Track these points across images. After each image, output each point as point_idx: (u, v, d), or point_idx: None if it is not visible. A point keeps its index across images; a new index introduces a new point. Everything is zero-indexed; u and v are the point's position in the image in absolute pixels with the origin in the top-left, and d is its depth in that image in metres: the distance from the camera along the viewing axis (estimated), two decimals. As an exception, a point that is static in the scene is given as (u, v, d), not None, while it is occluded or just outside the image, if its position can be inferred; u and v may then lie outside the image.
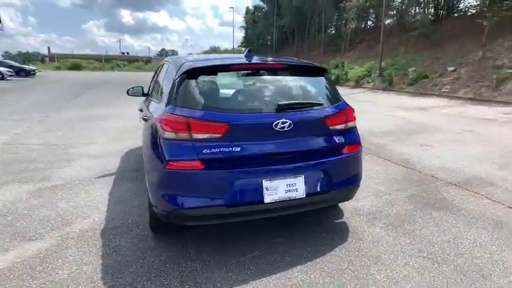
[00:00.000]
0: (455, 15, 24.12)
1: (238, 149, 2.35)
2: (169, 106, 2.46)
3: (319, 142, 2.58)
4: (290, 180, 2.45)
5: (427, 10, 24.22)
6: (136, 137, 6.45)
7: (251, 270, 2.38)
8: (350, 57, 28.42)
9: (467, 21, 20.13)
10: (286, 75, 2.77)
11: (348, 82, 22.41)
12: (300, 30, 38.05)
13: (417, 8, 25.73)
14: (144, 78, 17.48)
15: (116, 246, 2.70)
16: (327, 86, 2.86)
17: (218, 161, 2.32)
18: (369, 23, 31.69)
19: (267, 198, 2.38)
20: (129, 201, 3.61)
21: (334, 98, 2.78)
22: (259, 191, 2.38)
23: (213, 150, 2.31)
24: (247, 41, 52.86)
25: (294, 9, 36.73)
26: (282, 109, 2.46)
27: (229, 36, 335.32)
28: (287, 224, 3.01)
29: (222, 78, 2.63)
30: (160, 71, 3.72)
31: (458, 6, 24.47)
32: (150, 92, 4.46)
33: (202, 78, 2.56)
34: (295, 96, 2.70)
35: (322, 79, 2.85)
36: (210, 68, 2.61)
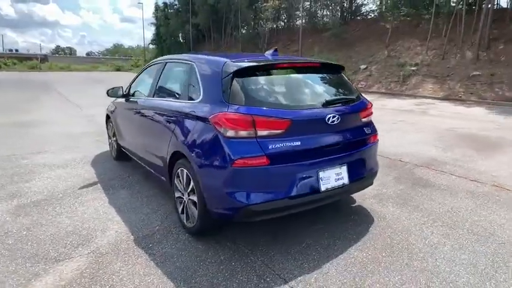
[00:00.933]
0: (359, 18, 26.95)
1: (299, 143, 2.48)
2: (226, 105, 2.45)
3: (356, 133, 2.85)
4: (338, 170, 2.67)
5: (335, 13, 26.57)
6: (89, 144, 5.93)
7: (314, 256, 2.54)
8: (268, 56, 29.62)
9: (374, 23, 22.72)
10: (318, 73, 2.97)
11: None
12: (216, 28, 38.17)
13: (326, 10, 28.05)
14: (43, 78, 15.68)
15: (164, 254, 2.60)
16: (349, 82, 3.15)
17: (282, 155, 2.42)
18: (283, 23, 33.33)
19: (323, 187, 2.57)
20: (139, 208, 3.42)
21: (356, 93, 3.08)
22: (316, 181, 2.55)
23: (277, 145, 2.41)
24: (159, 39, 50.88)
25: (209, 7, 36.70)
26: (329, 104, 2.67)
27: (130, 33, 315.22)
28: (316, 213, 3.21)
29: (267, 77, 2.70)
30: (168, 70, 3.57)
31: (361, 10, 27.40)
32: (132, 93, 4.23)
33: (251, 76, 2.61)
34: (332, 92, 2.92)
35: (343, 76, 3.13)
36: (257, 67, 2.67)
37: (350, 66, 19.60)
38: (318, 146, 2.58)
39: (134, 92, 4.27)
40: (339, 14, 25.87)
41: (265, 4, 27.58)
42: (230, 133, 2.39)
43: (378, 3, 25.05)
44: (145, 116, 3.59)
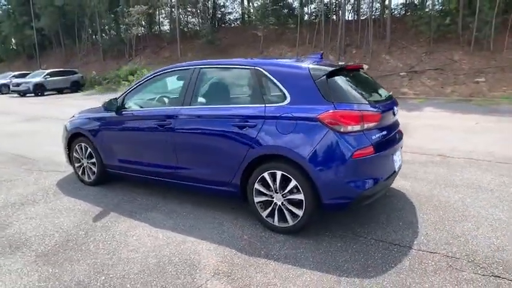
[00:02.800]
0: (228, 25, 28.40)
1: (385, 132, 2.96)
2: (330, 104, 2.72)
3: (399, 124, 3.50)
4: (398, 153, 3.26)
5: (205, 20, 27.26)
6: (25, 174, 4.92)
7: (400, 225, 3.05)
8: (138, 63, 28.12)
9: (243, 31, 24.36)
10: (361, 73, 3.45)
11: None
12: (67, 33, 33.66)
13: (196, 18, 28.49)
14: None
15: (298, 258, 2.67)
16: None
17: (379, 144, 2.86)
18: (151, 30, 32.03)
19: (396, 168, 3.13)
20: (210, 225, 3.24)
21: None
22: (393, 163, 3.09)
23: (375, 136, 2.84)
24: (-15, 44, 41.48)
25: (55, 9, 32.09)
26: (388, 99, 3.22)
27: None
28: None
29: (345, 77, 3.05)
30: (208, 76, 3.50)
31: (228, 18, 28.94)
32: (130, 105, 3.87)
33: (336, 77, 2.93)
34: (379, 88, 3.44)
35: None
36: (338, 70, 2.99)
37: (231, 71, 20.58)
38: (392, 133, 3.13)
39: (136, 103, 3.91)
40: (209, 21, 26.66)
41: (131, 9, 26.02)
42: (345, 129, 2.68)
43: (246, 12, 26.96)
44: (186, 126, 3.38)
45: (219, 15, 28.76)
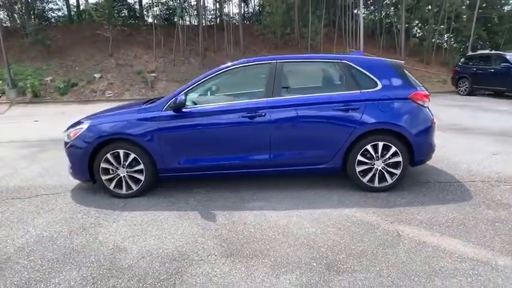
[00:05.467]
0: (56, 23, 24.32)
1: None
2: (413, 87, 3.74)
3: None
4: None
5: (28, 16, 22.49)
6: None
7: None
8: None
9: (86, 30, 21.53)
10: None
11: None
12: None
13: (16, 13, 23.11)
14: None
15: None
16: None
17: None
18: None
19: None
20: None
21: None
22: None
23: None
24: None
25: None
26: None
27: None
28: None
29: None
30: (292, 69, 3.93)
31: (47, 15, 24.77)
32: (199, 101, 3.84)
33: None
34: None
35: None
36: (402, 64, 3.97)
37: (78, 75, 18.20)
38: None
39: (205, 99, 3.83)
40: (33, 17, 22.13)
41: None
42: (426, 104, 3.73)
43: (86, 9, 23.83)
44: (284, 115, 3.65)
45: (41, 10, 24.35)
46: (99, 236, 3.01)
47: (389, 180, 3.75)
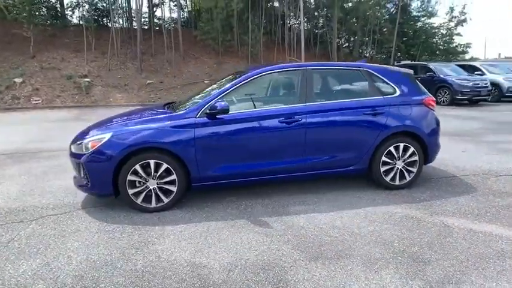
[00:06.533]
0: None
1: None
2: (424, 93, 4.21)
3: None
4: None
5: None
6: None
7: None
8: None
9: (3, 30, 18.73)
10: None
11: None
12: None
13: None
14: None
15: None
16: None
17: None
18: None
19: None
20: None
21: None
22: None
23: None
24: None
25: None
26: None
27: None
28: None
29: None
30: (319, 77, 4.12)
31: None
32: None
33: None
34: None
35: None
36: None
37: (-8, 80, 15.83)
38: None
39: (238, 106, 3.82)
40: None
41: None
42: (433, 108, 4.21)
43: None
44: (318, 119, 3.81)
45: None
46: (162, 254, 2.76)
47: (408, 178, 4.14)
